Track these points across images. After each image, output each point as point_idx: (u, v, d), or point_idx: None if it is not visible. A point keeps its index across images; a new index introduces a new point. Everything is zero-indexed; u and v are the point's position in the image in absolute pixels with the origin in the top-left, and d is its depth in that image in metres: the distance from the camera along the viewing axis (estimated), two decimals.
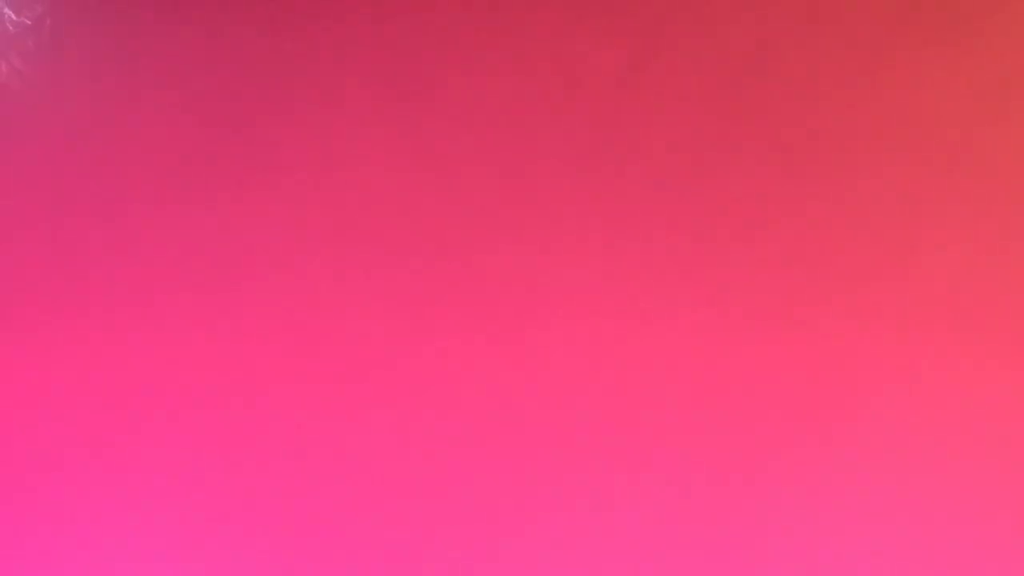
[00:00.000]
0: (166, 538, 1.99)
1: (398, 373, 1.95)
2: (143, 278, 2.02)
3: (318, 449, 1.97)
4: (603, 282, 1.91)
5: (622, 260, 1.90)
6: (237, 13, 2.02)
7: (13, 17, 2.08)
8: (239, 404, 1.99)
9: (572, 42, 1.94)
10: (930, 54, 1.85)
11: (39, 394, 2.03)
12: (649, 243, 1.90)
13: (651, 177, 1.91)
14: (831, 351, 1.85)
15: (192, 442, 2.00)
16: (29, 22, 2.07)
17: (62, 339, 2.03)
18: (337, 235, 1.98)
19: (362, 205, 1.97)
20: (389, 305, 1.96)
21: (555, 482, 1.90)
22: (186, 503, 1.99)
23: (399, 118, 1.97)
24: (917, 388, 1.83)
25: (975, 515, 1.80)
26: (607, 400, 1.90)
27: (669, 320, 1.89)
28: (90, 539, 2.01)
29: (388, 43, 1.99)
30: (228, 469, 1.98)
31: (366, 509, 1.95)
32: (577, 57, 1.93)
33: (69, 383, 2.03)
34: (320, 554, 1.96)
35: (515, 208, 1.93)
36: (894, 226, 1.85)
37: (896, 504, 1.82)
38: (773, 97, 1.89)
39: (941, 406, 1.82)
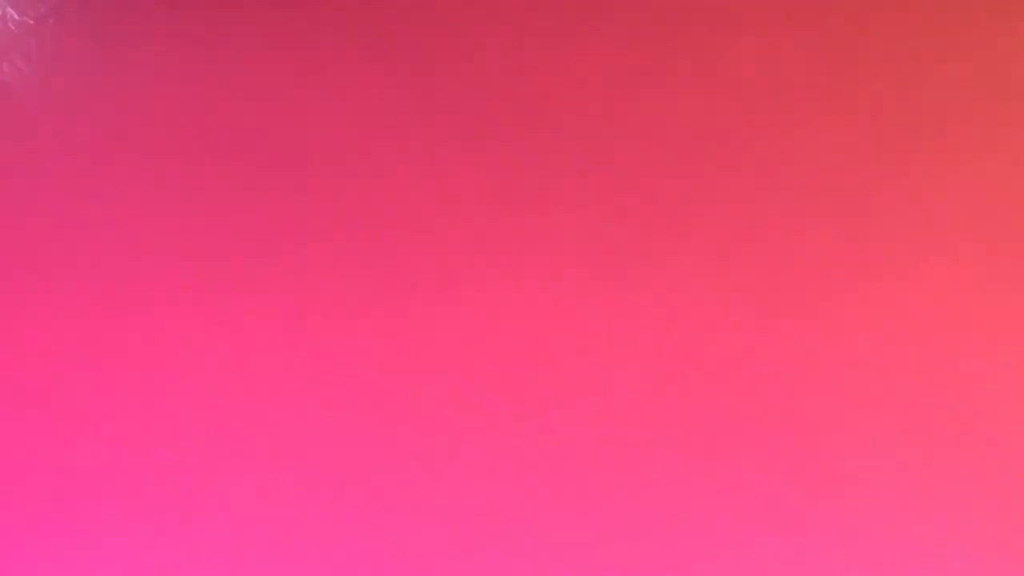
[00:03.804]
0: (164, 532, 1.99)
1: (395, 359, 1.96)
2: (143, 275, 2.01)
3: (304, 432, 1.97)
4: (600, 277, 1.91)
5: (620, 256, 1.90)
6: (239, 10, 2.02)
7: (16, 17, 2.07)
8: (230, 394, 1.99)
9: (575, 41, 1.94)
10: (927, 56, 1.86)
11: (35, 393, 2.03)
12: (649, 239, 1.90)
13: (651, 173, 1.91)
14: (840, 338, 1.85)
15: (180, 434, 2.00)
16: (32, 22, 2.06)
17: (58, 338, 2.03)
18: (336, 230, 1.98)
19: (359, 202, 1.98)
20: (386, 300, 1.96)
21: (557, 473, 1.90)
22: (175, 498, 1.99)
23: (402, 117, 1.97)
24: (933, 377, 1.83)
25: (992, 506, 1.81)
26: (613, 391, 1.90)
27: (677, 313, 1.89)
28: (84, 534, 2.01)
29: (390, 45, 1.99)
30: (209, 456, 1.98)
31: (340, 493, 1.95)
32: (579, 56, 1.94)
33: (65, 380, 2.02)
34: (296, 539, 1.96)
35: (514, 206, 1.94)
36: (907, 218, 1.85)
37: (911, 497, 1.82)
38: (778, 97, 1.89)
39: (957, 395, 1.83)
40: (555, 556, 1.89)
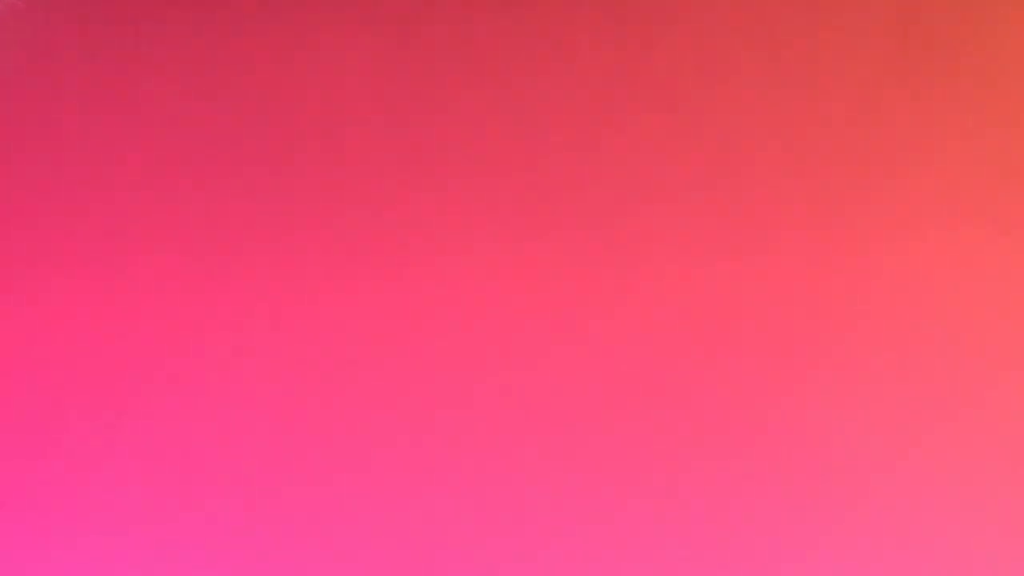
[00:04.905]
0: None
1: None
2: (131, 263, 2.02)
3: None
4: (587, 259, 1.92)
5: (615, 250, 1.91)
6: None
7: None
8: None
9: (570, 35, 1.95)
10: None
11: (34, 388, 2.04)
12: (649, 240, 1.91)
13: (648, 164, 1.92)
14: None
15: (176, 428, 2.00)
16: (22, 4, 2.07)
17: (49, 335, 2.04)
18: (328, 217, 1.98)
19: (356, 202, 1.98)
20: (389, 301, 1.97)
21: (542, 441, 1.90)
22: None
23: (398, 121, 1.97)
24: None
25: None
26: (596, 323, 1.90)
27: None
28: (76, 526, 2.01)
29: (387, 49, 1.98)
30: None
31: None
32: (575, 50, 1.94)
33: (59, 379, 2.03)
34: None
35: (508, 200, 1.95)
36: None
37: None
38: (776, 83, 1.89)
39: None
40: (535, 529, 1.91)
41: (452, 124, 1.97)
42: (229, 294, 2.00)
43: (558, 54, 1.95)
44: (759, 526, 1.85)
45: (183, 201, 2.02)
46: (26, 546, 2.01)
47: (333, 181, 1.99)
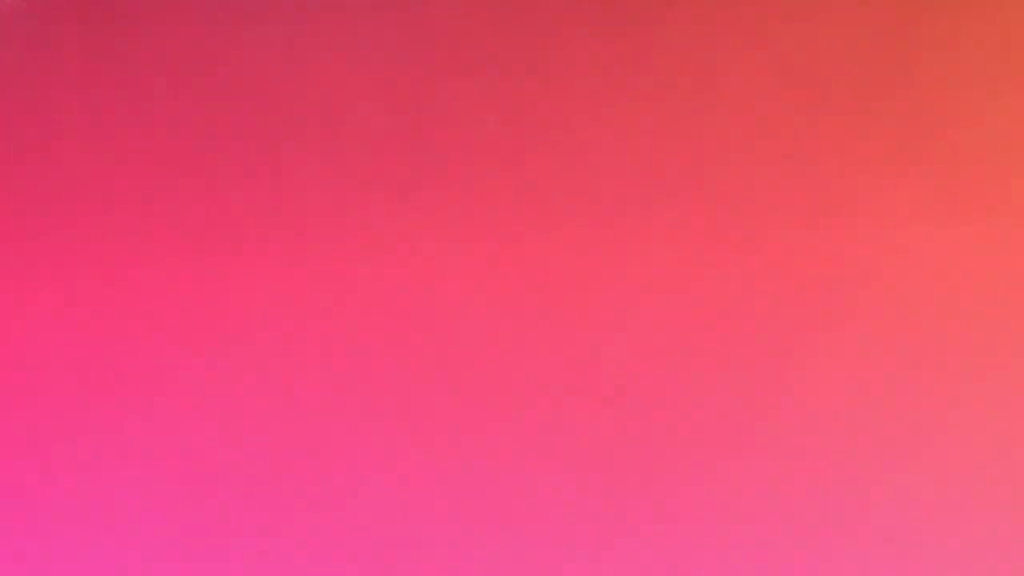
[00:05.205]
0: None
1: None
2: (133, 261, 2.01)
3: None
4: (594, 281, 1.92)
5: (613, 249, 1.91)
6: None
7: None
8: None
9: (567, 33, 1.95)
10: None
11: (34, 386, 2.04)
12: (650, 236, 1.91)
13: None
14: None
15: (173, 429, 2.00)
16: (22, 4, 2.06)
17: (50, 335, 2.03)
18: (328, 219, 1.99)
19: (357, 199, 1.98)
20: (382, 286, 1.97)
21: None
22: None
23: (400, 121, 1.97)
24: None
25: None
26: (588, 322, 1.90)
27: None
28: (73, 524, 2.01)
29: (388, 54, 1.98)
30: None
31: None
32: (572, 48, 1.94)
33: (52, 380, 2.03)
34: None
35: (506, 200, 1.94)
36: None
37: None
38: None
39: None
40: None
41: (452, 122, 1.97)
42: (230, 293, 2.00)
43: (558, 53, 1.95)
44: (759, 527, 1.85)
45: (184, 200, 2.02)
46: (25, 546, 2.01)
47: (335, 180, 1.99)
